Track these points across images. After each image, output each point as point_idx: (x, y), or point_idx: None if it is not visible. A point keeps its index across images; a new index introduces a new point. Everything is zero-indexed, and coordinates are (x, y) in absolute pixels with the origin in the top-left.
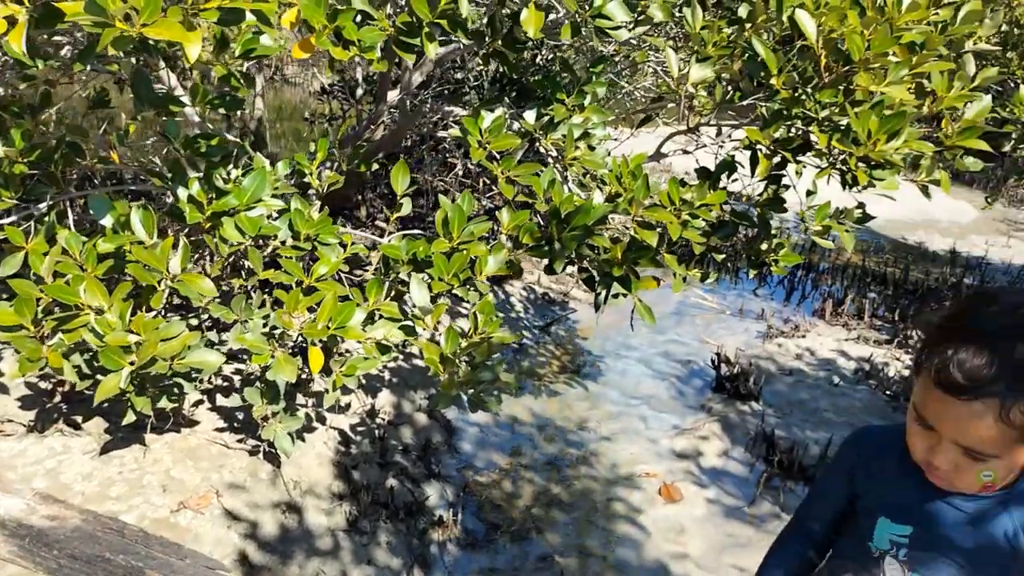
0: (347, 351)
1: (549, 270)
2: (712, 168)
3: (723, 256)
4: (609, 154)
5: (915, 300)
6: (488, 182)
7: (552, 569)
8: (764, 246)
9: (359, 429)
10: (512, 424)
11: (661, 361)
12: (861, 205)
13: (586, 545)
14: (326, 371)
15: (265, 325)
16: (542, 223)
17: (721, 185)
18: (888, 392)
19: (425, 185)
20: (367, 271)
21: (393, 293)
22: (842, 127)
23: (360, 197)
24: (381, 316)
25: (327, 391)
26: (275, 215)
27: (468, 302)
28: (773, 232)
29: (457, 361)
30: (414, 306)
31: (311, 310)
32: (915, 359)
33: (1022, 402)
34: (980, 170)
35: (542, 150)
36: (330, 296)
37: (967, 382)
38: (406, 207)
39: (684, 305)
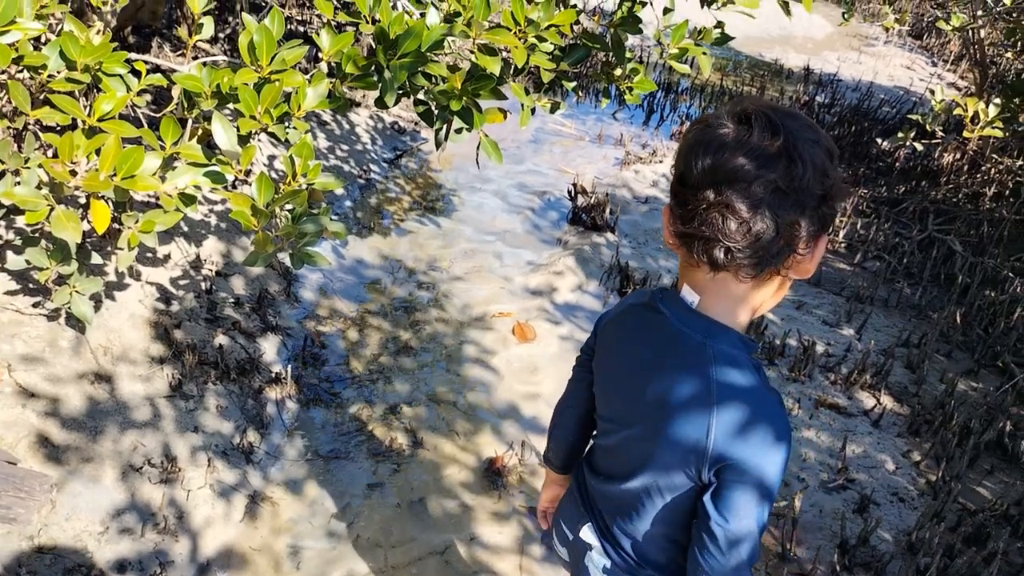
0: (153, 199)
1: (380, 103)
2: None
3: (573, 84)
4: None
5: None
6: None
7: (400, 419)
8: (618, 72)
9: (182, 283)
10: (359, 267)
11: (517, 193)
12: (720, 24)
13: (436, 392)
14: (117, 227)
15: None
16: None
17: (571, 3)
18: None
19: None
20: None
21: (200, 133)
22: None
23: (180, 12)
24: (184, 162)
25: (120, 251)
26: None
27: (287, 142)
28: (628, 55)
29: (278, 212)
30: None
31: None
32: None
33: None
34: None
35: None
36: (112, 140)
37: None
38: (207, 28)
39: (542, 132)
